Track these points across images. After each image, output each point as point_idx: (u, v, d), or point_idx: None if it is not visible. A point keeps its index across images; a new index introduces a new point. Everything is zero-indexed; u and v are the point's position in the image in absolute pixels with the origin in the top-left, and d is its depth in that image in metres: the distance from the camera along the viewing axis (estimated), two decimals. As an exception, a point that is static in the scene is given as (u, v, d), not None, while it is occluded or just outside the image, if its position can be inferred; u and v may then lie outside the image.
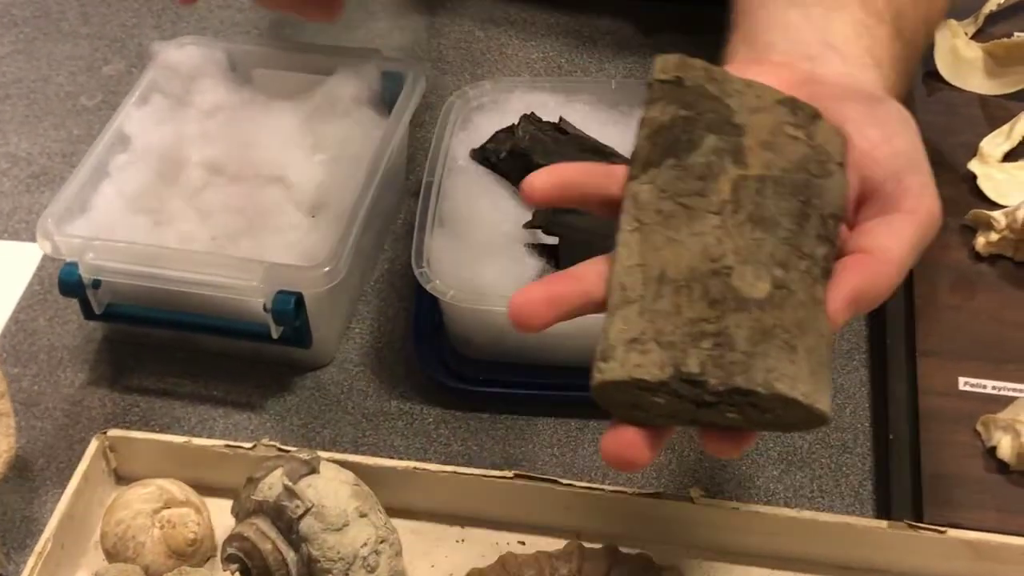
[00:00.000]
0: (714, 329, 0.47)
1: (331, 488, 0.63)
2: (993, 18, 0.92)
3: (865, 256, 0.50)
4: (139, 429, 0.73)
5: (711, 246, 0.49)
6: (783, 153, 0.51)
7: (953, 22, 0.90)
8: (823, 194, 0.51)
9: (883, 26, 0.62)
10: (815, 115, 0.53)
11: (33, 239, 0.83)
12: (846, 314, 0.49)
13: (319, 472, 0.64)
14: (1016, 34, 0.91)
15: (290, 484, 0.63)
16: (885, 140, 0.54)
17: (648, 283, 0.49)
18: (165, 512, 0.65)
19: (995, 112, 0.87)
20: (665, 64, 0.53)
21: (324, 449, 0.72)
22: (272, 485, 0.63)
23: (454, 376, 0.75)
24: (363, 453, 0.72)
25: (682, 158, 0.51)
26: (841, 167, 0.52)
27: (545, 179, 0.53)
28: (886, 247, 0.50)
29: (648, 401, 0.48)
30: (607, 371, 0.48)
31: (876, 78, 0.59)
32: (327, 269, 0.71)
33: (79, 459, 0.69)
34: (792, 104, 0.53)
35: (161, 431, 0.73)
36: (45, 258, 0.83)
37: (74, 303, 0.76)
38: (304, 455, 0.64)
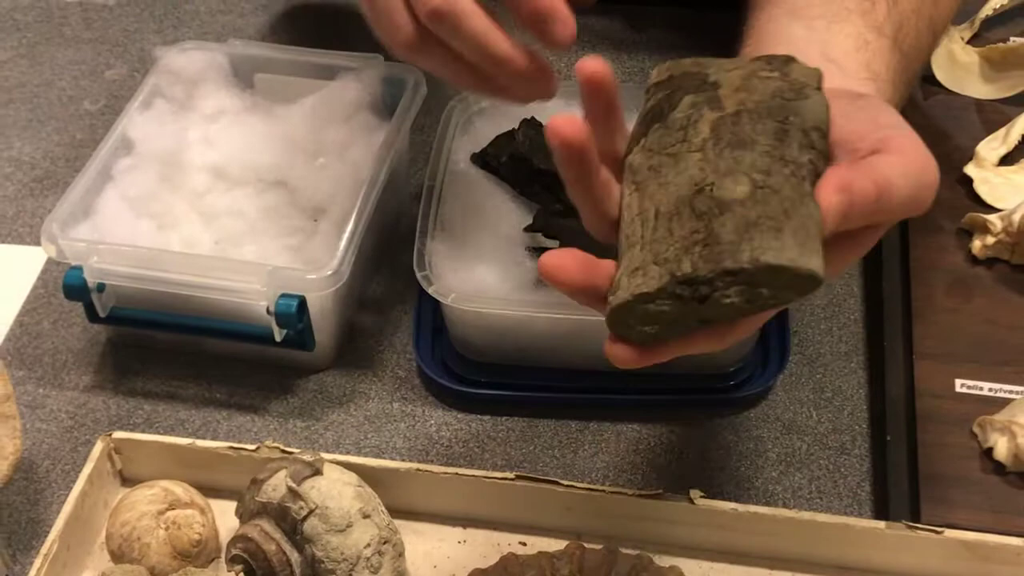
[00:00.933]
0: (703, 236, 0.49)
1: (335, 489, 0.64)
2: (989, 23, 0.93)
3: (855, 161, 0.52)
4: (144, 431, 0.74)
5: (695, 175, 0.51)
6: (757, 91, 0.53)
7: (950, 27, 0.91)
8: (801, 112, 0.52)
9: (883, 39, 0.63)
10: (789, 59, 0.55)
11: (37, 243, 0.85)
12: (835, 199, 0.49)
13: (323, 474, 0.64)
14: (1012, 39, 0.92)
15: (294, 486, 0.63)
16: (870, 119, 0.55)
17: (646, 224, 0.51)
18: (170, 513, 0.66)
19: (991, 116, 0.87)
20: (659, 70, 0.56)
21: (327, 451, 0.73)
22: (276, 487, 0.64)
23: (456, 378, 0.76)
24: (366, 454, 0.73)
25: (664, 120, 0.54)
26: (819, 91, 0.53)
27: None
28: (875, 164, 0.52)
29: (655, 312, 0.50)
30: (614, 300, 0.51)
31: (872, 91, 0.61)
32: (329, 272, 0.71)
33: (84, 461, 0.70)
34: (767, 57, 0.55)
35: (165, 433, 0.74)
36: (49, 261, 0.84)
37: (78, 306, 0.77)
38: (308, 457, 0.65)
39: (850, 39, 0.62)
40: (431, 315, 0.79)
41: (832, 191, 0.50)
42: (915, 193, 0.53)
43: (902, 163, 0.53)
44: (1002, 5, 0.93)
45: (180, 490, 0.67)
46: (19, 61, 1.00)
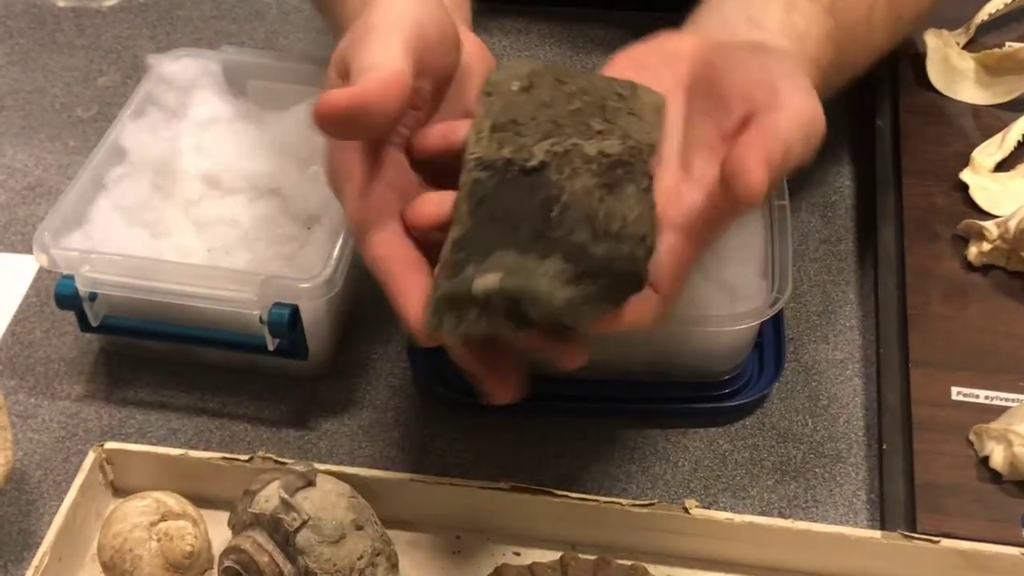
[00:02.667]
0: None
1: (328, 501, 0.63)
2: (984, 28, 0.93)
3: (753, 131, 0.54)
4: (136, 441, 0.73)
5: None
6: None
7: (945, 32, 0.91)
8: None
9: (815, 5, 0.66)
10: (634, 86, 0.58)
11: (29, 251, 0.84)
12: (764, 175, 0.52)
13: (316, 485, 0.64)
14: (1007, 44, 0.92)
15: (287, 497, 0.63)
16: (762, 67, 0.58)
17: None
18: (162, 525, 0.65)
19: (987, 122, 0.87)
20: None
21: (321, 460, 0.72)
22: (269, 498, 0.63)
23: (449, 387, 0.76)
24: (360, 464, 0.72)
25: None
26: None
27: None
28: (766, 124, 0.54)
29: (470, 316, 0.53)
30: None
31: (792, 47, 0.63)
32: (322, 281, 0.71)
33: (76, 471, 0.69)
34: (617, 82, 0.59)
35: (158, 443, 0.73)
36: (41, 270, 0.83)
37: (70, 315, 0.76)
38: (300, 467, 0.64)
39: (781, 4, 0.65)
40: (425, 323, 0.78)
41: (759, 163, 0.51)
42: (804, 150, 0.56)
43: (794, 115, 0.55)
44: (997, 10, 0.93)
45: (172, 501, 0.66)
46: (11, 68, 1.00)
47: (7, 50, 1.01)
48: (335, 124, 0.53)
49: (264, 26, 1.03)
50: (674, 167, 0.58)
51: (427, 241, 0.57)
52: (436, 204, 0.56)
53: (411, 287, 0.55)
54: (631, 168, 0.54)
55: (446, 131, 0.58)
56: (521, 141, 0.54)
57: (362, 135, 0.56)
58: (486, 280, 0.53)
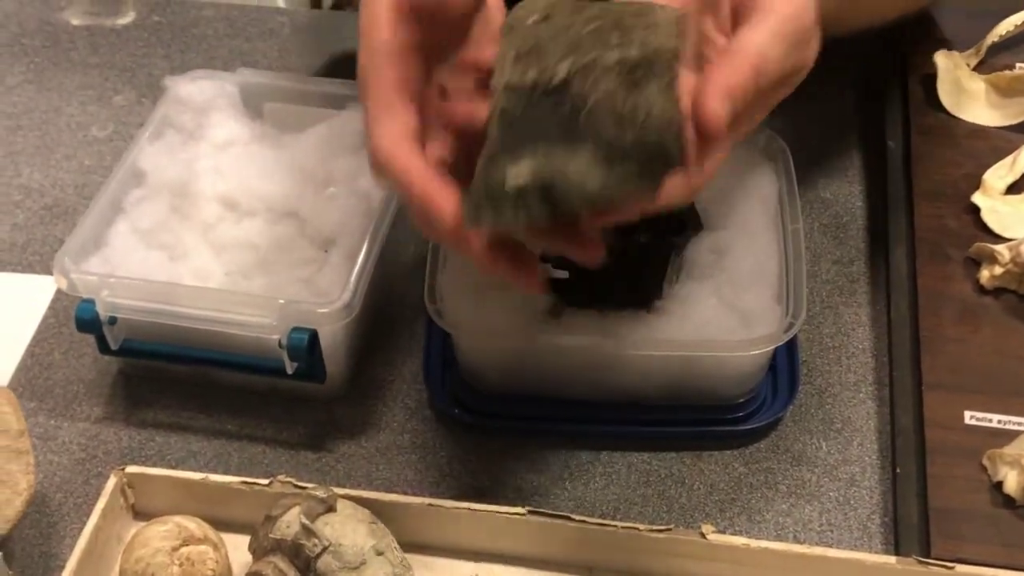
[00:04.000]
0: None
1: (348, 526, 0.64)
2: (995, 49, 0.93)
3: (724, 55, 0.58)
4: (155, 463, 0.74)
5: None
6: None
7: (956, 53, 0.91)
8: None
9: None
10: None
11: (47, 272, 0.85)
12: (724, 107, 0.56)
13: (336, 510, 0.65)
14: (1018, 65, 0.92)
15: (307, 523, 0.63)
16: None
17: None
18: (184, 549, 0.66)
19: (998, 143, 0.88)
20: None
21: (339, 483, 0.73)
22: (290, 523, 0.64)
23: (466, 409, 0.76)
24: (377, 487, 0.73)
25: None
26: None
27: None
28: (741, 42, 0.58)
29: (507, 210, 0.55)
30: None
31: None
32: (341, 306, 0.72)
33: (97, 494, 0.70)
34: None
35: (177, 465, 0.74)
36: (59, 291, 0.84)
37: (89, 337, 0.77)
38: (321, 493, 0.65)
39: None
40: (441, 346, 0.79)
41: (718, 99, 0.55)
42: (794, 54, 0.59)
43: (765, 21, 0.58)
44: (1008, 32, 0.93)
45: (194, 526, 0.67)
46: (27, 87, 1.00)
47: (22, 68, 1.02)
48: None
49: (277, 45, 1.03)
50: (691, 68, 0.61)
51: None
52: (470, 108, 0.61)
53: (444, 192, 0.57)
54: (651, 68, 0.56)
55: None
56: (543, 63, 0.56)
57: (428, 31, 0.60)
58: (520, 170, 0.55)
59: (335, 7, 2.48)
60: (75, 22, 1.06)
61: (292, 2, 2.31)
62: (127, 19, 1.06)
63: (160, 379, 0.79)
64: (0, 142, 0.96)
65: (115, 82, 1.01)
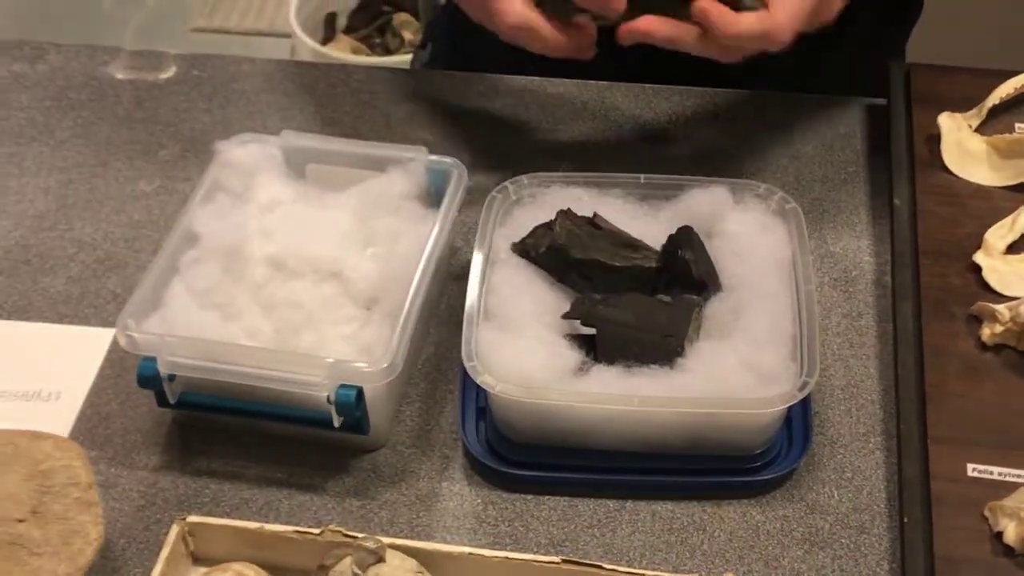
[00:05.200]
0: None
1: (397, 576, 0.69)
2: (995, 111, 0.98)
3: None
4: (211, 510, 0.79)
5: None
6: None
7: (958, 115, 0.97)
8: None
9: None
10: None
11: (102, 324, 0.90)
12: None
13: (385, 560, 0.70)
14: (1018, 126, 0.97)
15: (359, 573, 0.69)
16: None
17: None
18: (244, 595, 0.71)
19: (999, 203, 0.93)
20: None
21: (383, 528, 0.78)
22: (342, 573, 0.69)
23: (500, 459, 0.81)
24: (418, 532, 0.78)
25: None
26: None
27: None
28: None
29: None
30: None
31: None
32: (386, 365, 0.77)
33: (157, 540, 0.76)
34: None
35: (231, 511, 0.79)
36: (114, 343, 0.89)
37: (144, 388, 0.82)
38: (370, 544, 0.70)
39: None
40: (475, 397, 0.84)
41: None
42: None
43: None
44: (1008, 94, 0.99)
45: (252, 573, 0.72)
46: (75, 140, 1.05)
47: (70, 123, 1.07)
48: None
49: (314, 100, 1.08)
50: None
51: None
52: None
53: None
54: None
55: None
56: None
57: None
58: None
59: (347, 31, 2.54)
60: (119, 76, 1.11)
61: (302, 34, 2.36)
62: (168, 74, 1.11)
63: (212, 429, 0.84)
64: (52, 195, 1.01)
65: (160, 136, 1.06)
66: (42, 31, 2.68)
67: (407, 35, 2.52)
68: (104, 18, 2.77)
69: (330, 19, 2.54)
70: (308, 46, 2.36)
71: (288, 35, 2.48)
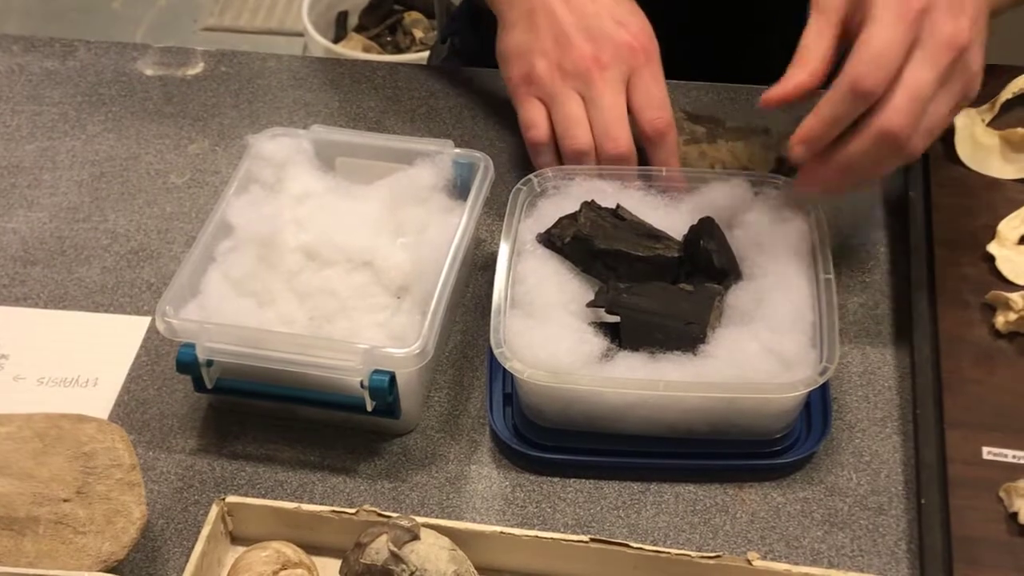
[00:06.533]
0: None
1: (432, 553, 0.71)
2: (1008, 105, 1.01)
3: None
4: (247, 491, 0.81)
5: None
6: None
7: (972, 110, 0.99)
8: None
9: None
10: None
11: (137, 313, 0.93)
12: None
13: (420, 538, 0.72)
14: (1030, 121, 1.00)
15: (395, 549, 0.71)
16: None
17: None
18: (283, 573, 0.73)
19: (1013, 195, 0.95)
20: None
21: (414, 510, 0.80)
22: (379, 550, 0.72)
23: (527, 443, 0.84)
24: (449, 513, 0.80)
25: None
26: None
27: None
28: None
29: None
30: None
31: None
32: (418, 351, 0.79)
33: (195, 520, 0.78)
34: None
35: (266, 493, 0.82)
36: (150, 330, 0.91)
37: (180, 373, 0.84)
38: (405, 522, 0.72)
39: None
40: (502, 382, 0.86)
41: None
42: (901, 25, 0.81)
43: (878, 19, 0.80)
44: (1021, 89, 1.01)
45: (290, 551, 0.74)
46: (107, 135, 1.08)
47: (102, 117, 1.09)
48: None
49: (339, 96, 1.11)
50: None
51: None
52: None
53: None
54: None
55: None
56: None
57: None
58: None
59: (358, 30, 2.56)
60: (148, 72, 1.14)
61: (315, 31, 2.38)
62: (196, 70, 1.14)
63: (247, 413, 0.86)
64: (86, 188, 1.03)
65: (189, 131, 1.08)
66: (53, 30, 2.71)
67: (418, 33, 2.55)
68: (115, 17, 2.80)
69: (341, 18, 2.57)
70: (320, 44, 2.38)
71: (299, 34, 2.51)
